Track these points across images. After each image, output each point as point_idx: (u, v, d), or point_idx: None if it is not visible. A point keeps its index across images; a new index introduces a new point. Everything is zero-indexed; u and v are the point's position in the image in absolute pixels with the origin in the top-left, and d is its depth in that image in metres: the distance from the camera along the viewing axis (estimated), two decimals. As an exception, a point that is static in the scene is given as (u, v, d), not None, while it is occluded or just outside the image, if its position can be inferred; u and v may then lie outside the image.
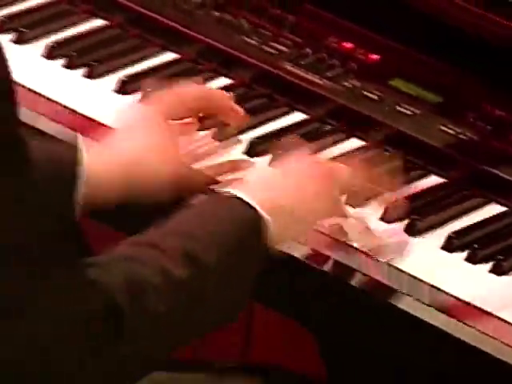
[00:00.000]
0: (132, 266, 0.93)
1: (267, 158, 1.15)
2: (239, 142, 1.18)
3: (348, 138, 1.13)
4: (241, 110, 1.20)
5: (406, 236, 1.11)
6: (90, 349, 0.90)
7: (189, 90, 1.19)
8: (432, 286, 1.02)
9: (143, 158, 1.16)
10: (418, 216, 1.06)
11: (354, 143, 1.14)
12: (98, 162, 1.13)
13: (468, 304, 1.02)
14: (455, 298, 1.01)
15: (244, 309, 1.07)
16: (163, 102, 1.17)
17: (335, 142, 1.14)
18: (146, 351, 0.96)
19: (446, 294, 1.02)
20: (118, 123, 1.15)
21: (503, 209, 1.10)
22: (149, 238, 0.98)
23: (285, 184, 1.12)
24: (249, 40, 1.22)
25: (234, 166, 1.22)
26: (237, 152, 1.16)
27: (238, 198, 1.05)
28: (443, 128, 1.13)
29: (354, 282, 1.08)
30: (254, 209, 1.05)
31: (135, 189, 1.13)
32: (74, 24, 1.27)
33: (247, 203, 1.05)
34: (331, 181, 1.11)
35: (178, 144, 1.17)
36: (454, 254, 1.05)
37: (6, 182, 0.86)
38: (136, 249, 0.96)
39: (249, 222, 1.07)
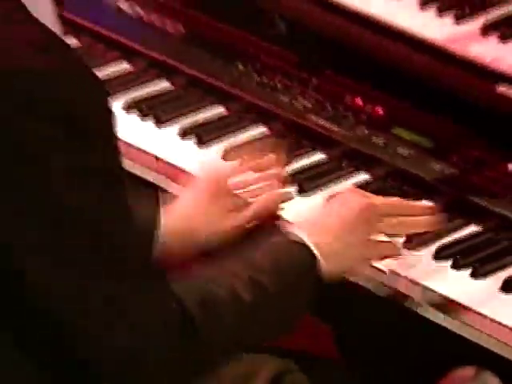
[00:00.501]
0: (209, 286, 1.20)
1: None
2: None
3: (358, 173, 1.42)
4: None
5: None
6: (168, 344, 1.17)
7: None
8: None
9: (197, 222, 1.46)
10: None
11: (363, 177, 1.42)
12: (167, 225, 1.43)
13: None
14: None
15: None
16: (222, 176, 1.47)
17: (348, 176, 1.43)
18: (214, 350, 1.22)
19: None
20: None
21: (479, 228, 1.37)
22: (227, 265, 1.25)
23: (333, 224, 1.34)
24: (283, 97, 1.53)
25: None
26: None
27: (298, 242, 1.30)
28: (432, 166, 1.41)
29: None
30: (312, 252, 1.30)
31: (191, 241, 1.44)
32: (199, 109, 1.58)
33: (307, 246, 1.30)
34: (370, 213, 1.34)
35: (226, 208, 1.46)
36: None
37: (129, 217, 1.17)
38: (215, 272, 1.23)
39: (306, 261, 1.31)
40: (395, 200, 1.43)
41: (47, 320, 1.22)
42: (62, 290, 1.19)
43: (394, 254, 1.40)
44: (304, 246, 1.32)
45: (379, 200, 1.40)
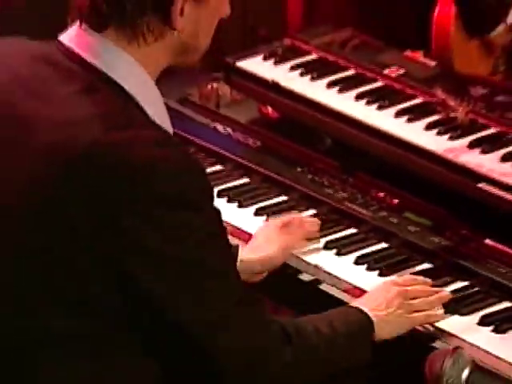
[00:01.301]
0: (301, 325, 1.55)
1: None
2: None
3: (379, 242, 1.87)
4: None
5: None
6: (275, 353, 1.49)
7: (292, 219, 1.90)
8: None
9: (267, 254, 1.85)
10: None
11: (383, 245, 1.86)
12: (244, 257, 1.82)
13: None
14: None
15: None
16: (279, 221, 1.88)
17: (372, 244, 1.87)
18: (299, 363, 1.53)
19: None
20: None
21: (467, 283, 1.81)
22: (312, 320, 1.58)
23: (382, 300, 1.68)
24: (328, 190, 2.01)
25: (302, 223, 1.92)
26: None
27: (360, 310, 1.64)
28: (432, 239, 1.87)
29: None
30: (368, 316, 1.64)
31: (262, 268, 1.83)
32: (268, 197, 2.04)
33: (365, 313, 1.64)
34: (402, 297, 1.69)
35: (284, 241, 1.85)
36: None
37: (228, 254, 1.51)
38: (303, 323, 1.56)
39: (364, 323, 1.64)
40: (419, 282, 1.79)
41: (179, 336, 1.48)
42: (201, 317, 1.46)
43: (431, 321, 1.74)
44: (365, 315, 1.68)
45: (407, 283, 1.77)
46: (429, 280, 1.77)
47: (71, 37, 1.54)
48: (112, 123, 1.47)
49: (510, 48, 2.64)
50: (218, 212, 1.48)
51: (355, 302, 1.73)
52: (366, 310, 1.69)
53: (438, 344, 1.68)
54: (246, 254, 1.85)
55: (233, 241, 1.80)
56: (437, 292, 1.77)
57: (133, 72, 1.52)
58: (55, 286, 1.44)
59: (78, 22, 1.52)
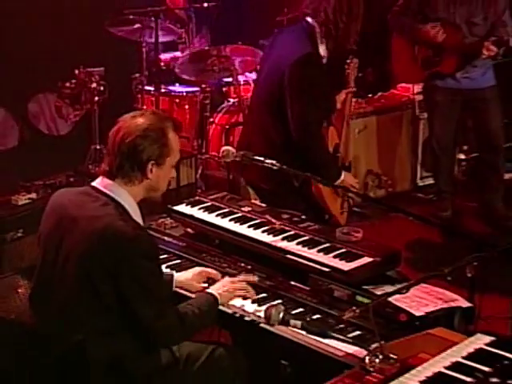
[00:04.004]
0: (184, 310, 3.00)
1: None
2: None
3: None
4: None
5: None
6: (174, 329, 2.96)
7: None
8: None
9: (188, 282, 3.33)
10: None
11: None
12: (183, 280, 3.30)
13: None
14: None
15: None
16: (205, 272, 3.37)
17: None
18: (187, 333, 3.04)
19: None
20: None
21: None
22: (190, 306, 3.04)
23: (222, 290, 3.13)
24: (217, 263, 3.61)
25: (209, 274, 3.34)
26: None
27: (210, 293, 3.12)
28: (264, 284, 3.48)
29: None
30: (214, 294, 3.11)
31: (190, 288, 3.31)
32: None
33: (213, 294, 3.12)
34: (231, 282, 3.20)
35: (202, 280, 3.29)
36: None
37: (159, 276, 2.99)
38: (185, 308, 3.02)
39: (212, 299, 3.12)
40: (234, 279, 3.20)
41: (132, 315, 2.84)
42: (145, 308, 2.82)
43: (246, 295, 3.18)
44: (212, 295, 3.11)
45: (236, 279, 3.17)
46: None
47: (98, 182, 2.99)
48: (115, 218, 2.82)
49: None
50: (159, 262, 3.01)
51: (210, 289, 3.17)
52: (214, 292, 3.13)
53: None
54: (182, 278, 3.35)
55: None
56: (247, 288, 3.19)
57: (127, 198, 2.93)
58: (93, 301, 2.86)
59: (101, 177, 3.00)
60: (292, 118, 4.05)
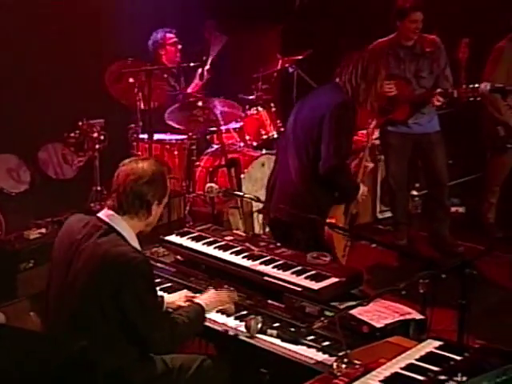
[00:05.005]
0: (176, 320, 3.08)
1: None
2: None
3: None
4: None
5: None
6: (167, 337, 3.00)
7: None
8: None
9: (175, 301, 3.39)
10: None
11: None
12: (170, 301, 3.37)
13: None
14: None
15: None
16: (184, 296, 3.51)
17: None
18: (177, 341, 3.09)
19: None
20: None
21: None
22: (180, 315, 3.11)
23: (208, 296, 3.24)
24: (203, 286, 3.73)
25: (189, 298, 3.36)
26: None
27: (198, 303, 3.21)
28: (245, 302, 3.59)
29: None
30: (201, 304, 3.21)
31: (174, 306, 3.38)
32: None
33: (199, 304, 3.21)
34: (217, 295, 3.26)
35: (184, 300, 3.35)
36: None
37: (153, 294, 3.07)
38: (173, 322, 3.06)
39: (199, 309, 3.19)
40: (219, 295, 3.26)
41: (135, 328, 2.90)
42: (143, 320, 2.89)
43: (226, 306, 3.25)
44: (199, 305, 3.17)
45: (222, 291, 3.25)
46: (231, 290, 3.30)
47: (103, 214, 3.08)
48: (115, 244, 2.92)
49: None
50: (154, 284, 3.06)
51: (198, 299, 3.22)
52: (201, 302, 3.20)
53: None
54: (170, 300, 3.44)
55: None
56: (229, 296, 3.26)
57: (125, 227, 3.03)
58: (101, 315, 2.91)
59: (106, 208, 3.18)
60: (328, 151, 4.08)
